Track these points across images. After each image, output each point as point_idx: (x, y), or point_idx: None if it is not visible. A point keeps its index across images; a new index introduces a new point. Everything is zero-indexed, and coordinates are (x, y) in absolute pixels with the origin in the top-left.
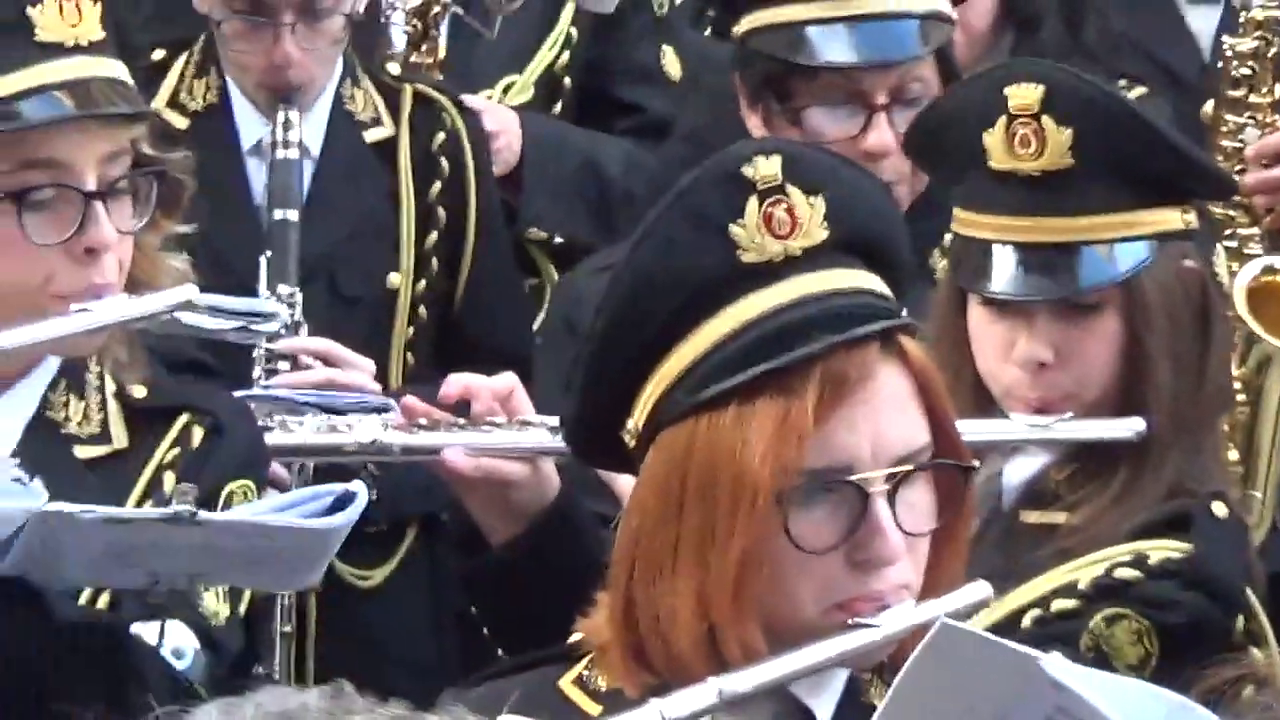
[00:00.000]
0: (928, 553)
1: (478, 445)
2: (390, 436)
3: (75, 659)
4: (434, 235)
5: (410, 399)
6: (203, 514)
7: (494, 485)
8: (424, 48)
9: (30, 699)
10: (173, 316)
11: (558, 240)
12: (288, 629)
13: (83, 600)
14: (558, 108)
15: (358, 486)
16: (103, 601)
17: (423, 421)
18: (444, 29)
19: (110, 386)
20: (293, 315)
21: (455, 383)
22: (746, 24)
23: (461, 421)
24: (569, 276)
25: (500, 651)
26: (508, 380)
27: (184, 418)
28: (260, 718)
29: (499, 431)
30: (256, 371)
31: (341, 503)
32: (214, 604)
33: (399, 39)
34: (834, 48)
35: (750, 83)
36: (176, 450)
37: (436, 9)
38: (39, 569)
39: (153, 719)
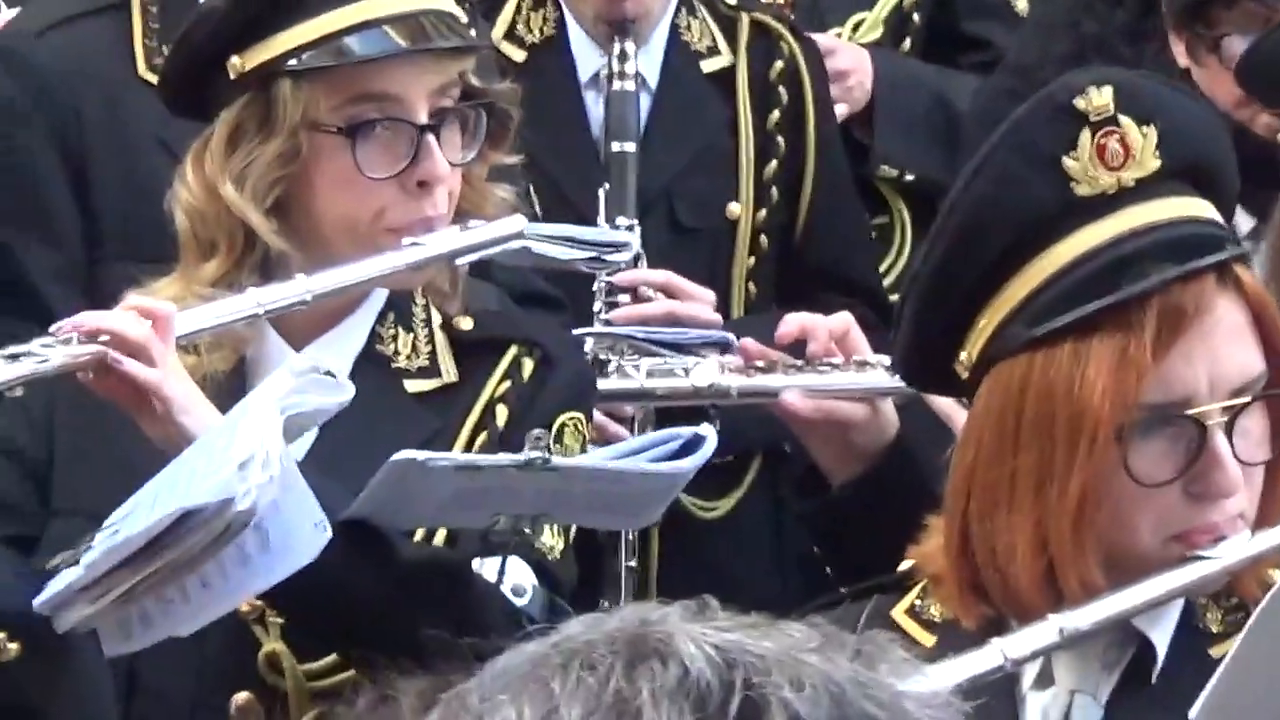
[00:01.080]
0: (1262, 481)
1: (815, 386)
2: (728, 379)
3: (419, 597)
4: (773, 164)
5: (748, 340)
6: (556, 459)
7: (833, 427)
8: None
9: (380, 637)
10: (525, 246)
11: (909, 177)
12: (632, 564)
13: (418, 538)
14: (906, 44)
15: (707, 430)
16: (439, 538)
17: (760, 363)
18: None
19: (436, 319)
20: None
21: (792, 322)
22: None
23: (799, 363)
24: None
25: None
26: (844, 320)
27: (513, 350)
28: (624, 627)
29: (836, 372)
30: (597, 305)
31: (691, 446)
32: (549, 538)
33: None
34: None
35: (1174, 11)
36: (508, 384)
37: None
38: (386, 512)
39: (522, 635)
